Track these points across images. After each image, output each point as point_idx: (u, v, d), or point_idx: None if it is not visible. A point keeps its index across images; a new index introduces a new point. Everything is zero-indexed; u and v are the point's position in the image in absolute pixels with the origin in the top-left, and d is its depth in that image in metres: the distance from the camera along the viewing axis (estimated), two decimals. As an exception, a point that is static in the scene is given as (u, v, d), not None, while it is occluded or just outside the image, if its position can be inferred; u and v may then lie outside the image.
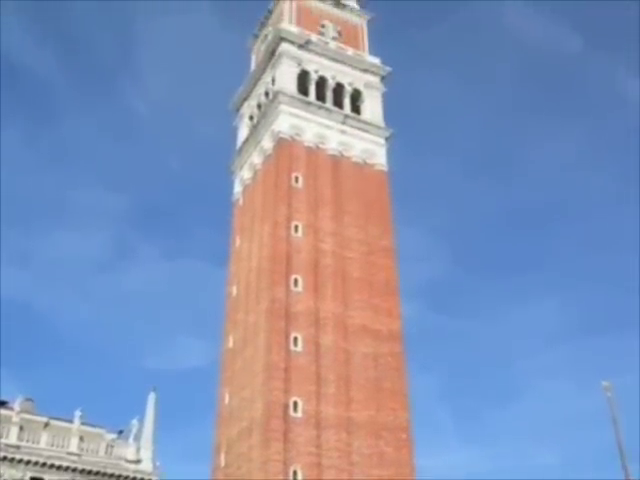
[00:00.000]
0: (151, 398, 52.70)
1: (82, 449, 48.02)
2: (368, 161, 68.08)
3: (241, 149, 73.81)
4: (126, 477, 47.94)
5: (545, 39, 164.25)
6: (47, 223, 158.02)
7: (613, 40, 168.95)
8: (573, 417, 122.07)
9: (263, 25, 79.99)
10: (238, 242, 68.07)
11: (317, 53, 72.09)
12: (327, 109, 69.08)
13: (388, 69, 75.11)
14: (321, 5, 77.21)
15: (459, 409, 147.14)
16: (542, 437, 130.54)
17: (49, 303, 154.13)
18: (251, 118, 74.98)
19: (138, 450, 49.72)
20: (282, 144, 64.99)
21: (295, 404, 53.25)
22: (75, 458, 47.04)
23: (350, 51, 74.70)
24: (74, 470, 46.66)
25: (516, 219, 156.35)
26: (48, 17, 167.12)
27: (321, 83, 70.91)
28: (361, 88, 72.90)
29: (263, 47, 76.58)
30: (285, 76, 69.22)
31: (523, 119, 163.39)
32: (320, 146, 66.63)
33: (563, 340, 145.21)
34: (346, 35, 76.68)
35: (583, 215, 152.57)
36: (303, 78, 70.15)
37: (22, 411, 48.37)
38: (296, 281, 58.59)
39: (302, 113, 67.34)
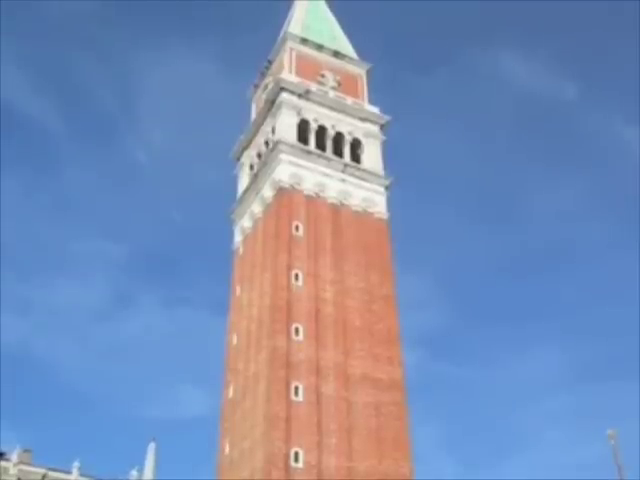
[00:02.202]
0: (151, 448, 52.23)
1: (80, 501, 47.43)
2: (368, 209, 68.32)
3: (241, 198, 74.07)
4: (125, 530, 47.29)
5: (541, 87, 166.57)
6: (47, 272, 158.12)
7: (609, 87, 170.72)
8: (578, 465, 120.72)
9: (263, 75, 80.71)
10: (238, 291, 67.95)
11: (317, 102, 72.73)
12: (327, 158, 69.51)
13: (387, 118, 75.74)
14: (321, 55, 78.08)
15: (462, 459, 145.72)
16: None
17: (48, 352, 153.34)
18: (251, 167, 75.37)
19: (137, 502, 49.13)
20: (282, 193, 65.27)
21: (296, 454, 52.72)
22: (73, 511, 46.46)
23: (349, 100, 75.35)
24: (72, 523, 46.02)
25: (516, 267, 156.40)
26: (48, 67, 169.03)
27: (321, 132, 71.44)
28: (360, 137, 73.41)
29: (263, 96, 77.26)
30: (285, 125, 69.73)
31: (522, 166, 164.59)
32: (320, 195, 66.92)
33: (565, 388, 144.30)
34: (345, 84, 77.39)
35: (582, 263, 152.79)
36: (303, 127, 70.69)
37: (20, 462, 47.82)
38: (297, 330, 58.40)
39: (302, 162, 67.74)
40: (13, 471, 46.71)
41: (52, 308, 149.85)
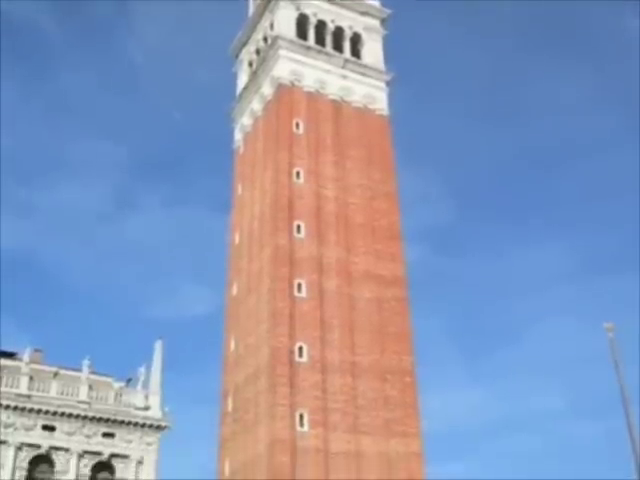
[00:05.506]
0: (158, 346, 53.01)
1: (92, 397, 48.60)
2: (369, 106, 67.66)
3: (241, 96, 73.29)
4: (135, 423, 48.56)
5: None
6: (48, 174, 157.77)
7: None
8: (578, 357, 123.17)
9: (260, -32, 78.61)
10: (240, 190, 68.04)
11: (315, -4, 71.11)
12: (327, 53, 68.43)
13: (388, 11, 74.14)
14: (318, -54, 75.76)
15: (465, 350, 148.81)
16: (547, 376, 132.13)
17: (53, 254, 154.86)
18: (250, 64, 74.28)
19: (147, 397, 50.24)
20: (282, 90, 64.55)
21: (300, 349, 53.93)
22: (85, 406, 47.59)
23: (349, -7, 73.62)
24: (84, 418, 47.31)
25: (519, 162, 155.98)
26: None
27: (320, 27, 70.09)
28: (361, 31, 72.05)
29: (261, -9, 75.48)
30: (284, 21, 68.36)
31: (526, 61, 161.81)
32: (321, 91, 66.15)
33: (566, 281, 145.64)
34: (345, -23, 75.39)
35: (585, 158, 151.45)
36: (302, 22, 69.31)
37: (31, 362, 48.80)
38: (299, 227, 58.79)
39: (302, 58, 66.68)
40: (25, 370, 47.71)
41: (54, 211, 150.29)
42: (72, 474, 45.72)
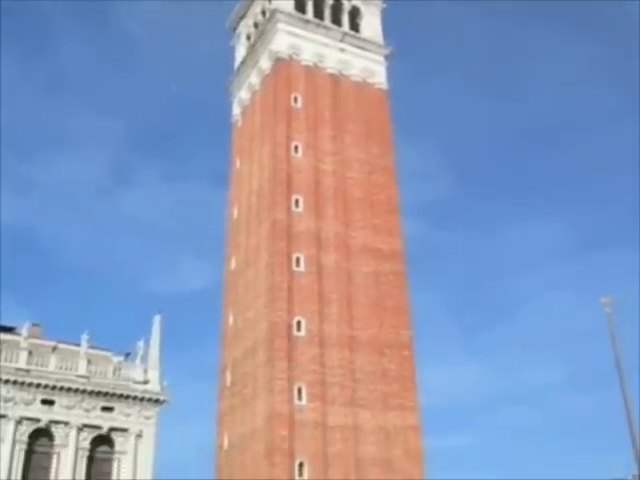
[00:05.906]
0: (157, 320, 53.06)
1: (90, 371, 48.76)
2: (368, 80, 67.34)
3: (239, 70, 72.85)
4: (134, 397, 48.80)
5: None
6: (46, 150, 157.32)
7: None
8: (576, 331, 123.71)
9: (258, -59, 77.84)
10: (238, 164, 67.87)
11: (314, -32, 70.47)
12: (325, 27, 67.93)
13: (386, -16, 73.64)
14: None
15: (463, 325, 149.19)
16: (546, 350, 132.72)
17: (52, 229, 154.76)
18: (248, 38, 73.77)
19: (145, 371, 50.43)
20: (280, 64, 64.18)
21: (299, 323, 54.07)
22: (84, 380, 47.79)
23: (347, -34, 72.93)
24: (83, 392, 47.51)
25: (519, 137, 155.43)
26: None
27: (319, 0, 69.46)
28: (359, 5, 71.53)
29: (259, -37, 74.77)
30: (282, -7, 67.80)
31: (525, 36, 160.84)
32: (319, 65, 65.79)
33: (565, 256, 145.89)
34: (343, -51, 74.72)
35: (585, 134, 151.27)
36: (300, -5, 68.83)
37: (30, 336, 48.90)
38: (297, 202, 58.69)
39: (300, 32, 66.23)
40: (24, 344, 47.82)
41: (53, 186, 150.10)
42: (72, 447, 46.02)
